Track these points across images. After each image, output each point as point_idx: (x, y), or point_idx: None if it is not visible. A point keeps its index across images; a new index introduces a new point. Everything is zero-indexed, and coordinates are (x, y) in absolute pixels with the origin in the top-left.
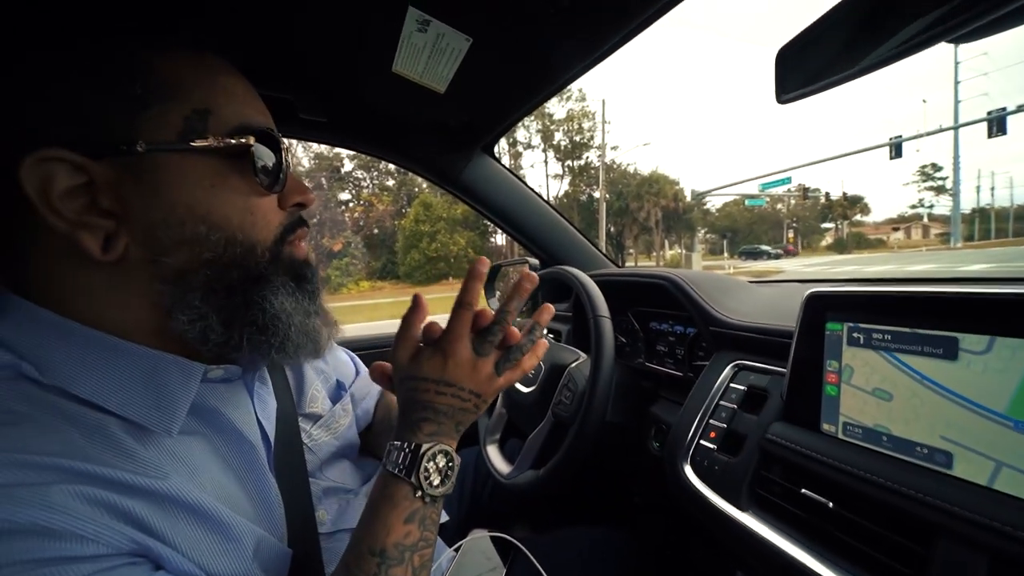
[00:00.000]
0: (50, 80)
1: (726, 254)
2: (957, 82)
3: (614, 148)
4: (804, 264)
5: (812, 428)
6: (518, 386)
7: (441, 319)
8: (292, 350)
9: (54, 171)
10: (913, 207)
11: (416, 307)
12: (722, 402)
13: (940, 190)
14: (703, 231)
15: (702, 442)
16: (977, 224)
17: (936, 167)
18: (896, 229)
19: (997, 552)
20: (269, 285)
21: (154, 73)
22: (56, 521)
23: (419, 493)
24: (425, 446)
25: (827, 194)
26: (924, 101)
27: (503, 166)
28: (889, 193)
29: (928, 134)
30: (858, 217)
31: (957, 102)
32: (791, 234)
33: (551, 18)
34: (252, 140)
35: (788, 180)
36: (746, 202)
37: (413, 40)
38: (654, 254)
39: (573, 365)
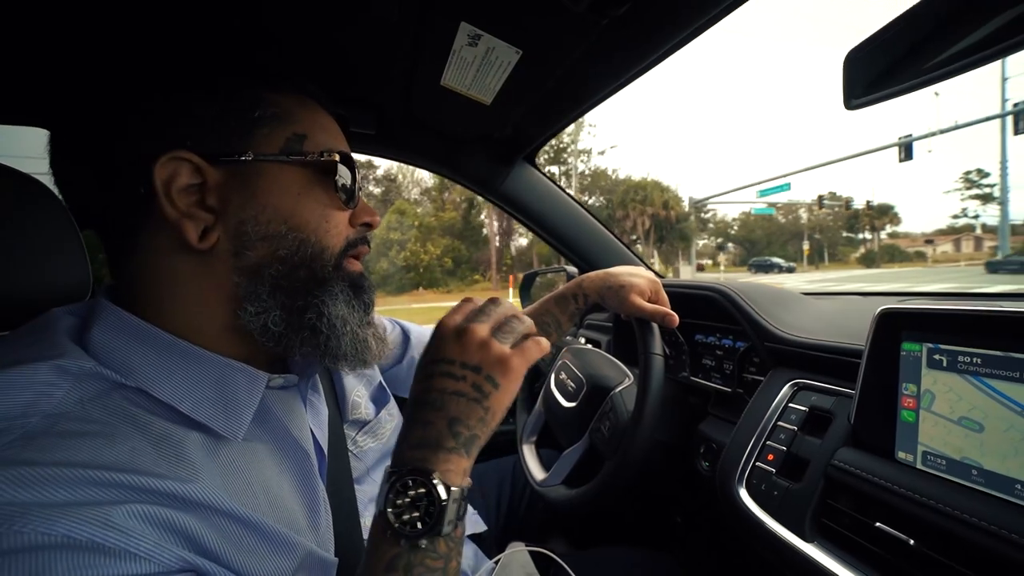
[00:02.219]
0: (192, 100)
1: (722, 266)
2: (1005, 78)
3: (601, 153)
4: (806, 280)
5: (885, 456)
6: (559, 397)
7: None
8: (341, 357)
9: (179, 169)
10: (956, 217)
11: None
12: (781, 423)
13: (987, 198)
14: (718, 240)
15: (759, 464)
16: None
17: (982, 173)
18: (929, 241)
19: None
20: (330, 290)
21: (267, 103)
22: (113, 539)
23: (389, 533)
24: (394, 472)
25: (847, 202)
26: (936, 94)
27: (544, 175)
28: (932, 202)
29: (942, 132)
30: (895, 228)
31: (1004, 100)
32: (807, 246)
33: (602, 29)
34: (337, 158)
35: (787, 187)
36: (752, 211)
37: (463, 54)
38: None
39: (617, 391)
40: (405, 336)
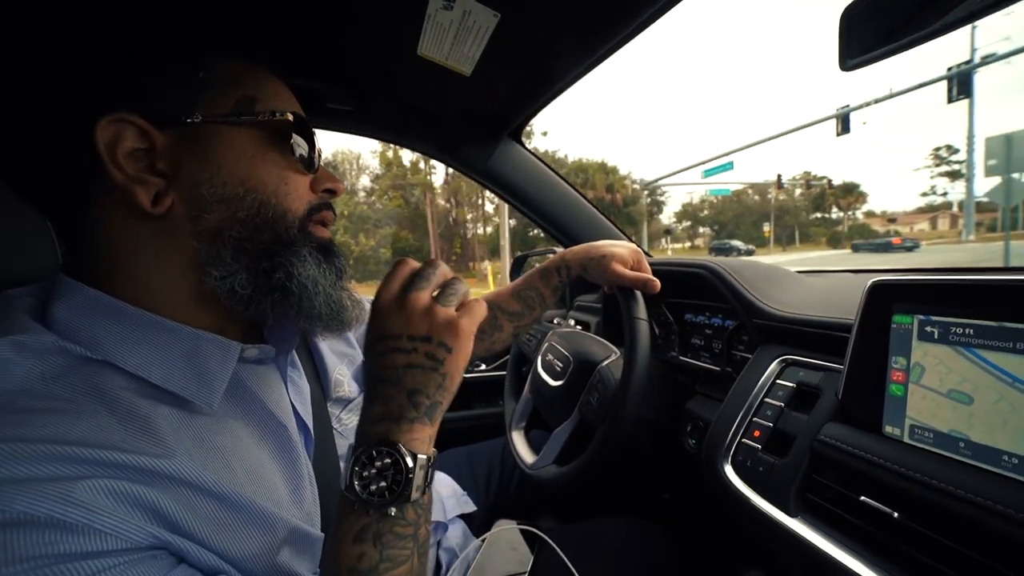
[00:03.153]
0: (135, 61)
1: (672, 246)
2: (974, 49)
3: (544, 134)
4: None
5: (873, 431)
6: (546, 377)
7: None
8: (316, 318)
9: (123, 132)
10: (925, 195)
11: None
12: (768, 399)
13: (955, 175)
14: (683, 224)
15: (745, 441)
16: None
17: (952, 149)
18: (892, 220)
19: None
20: (296, 253)
21: (215, 68)
22: (74, 515)
23: (357, 505)
24: (356, 445)
25: (807, 180)
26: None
27: (531, 153)
28: (904, 181)
29: (876, 101)
30: (863, 207)
31: (972, 66)
32: (768, 228)
33: None
34: (290, 118)
35: (730, 166)
36: (708, 192)
37: (438, 19)
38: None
39: (604, 364)
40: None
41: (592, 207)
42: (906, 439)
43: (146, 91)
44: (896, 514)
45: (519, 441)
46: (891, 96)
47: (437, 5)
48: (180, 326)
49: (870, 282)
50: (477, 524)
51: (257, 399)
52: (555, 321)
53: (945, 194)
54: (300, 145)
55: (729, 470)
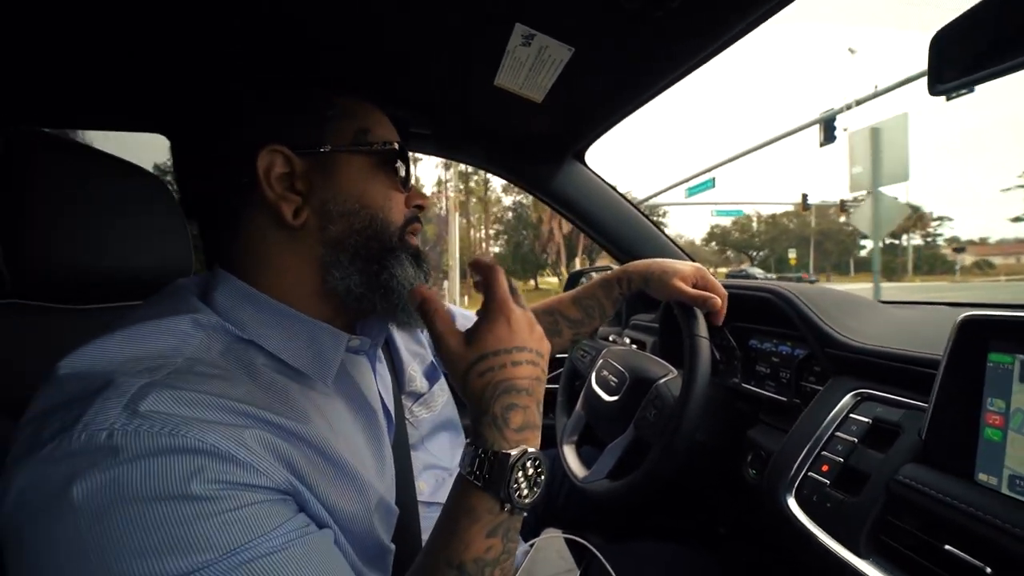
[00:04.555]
0: (282, 103)
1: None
2: None
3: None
4: None
5: (963, 476)
6: (600, 393)
7: None
8: (410, 314)
9: (275, 160)
10: (1017, 219)
11: (431, 299)
12: (839, 433)
13: None
14: (714, 246)
15: (811, 474)
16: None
17: None
18: (959, 250)
19: None
20: (397, 257)
21: (338, 105)
22: (243, 454)
23: (506, 507)
24: (514, 454)
25: (841, 202)
26: (851, 51)
27: (594, 173)
28: (990, 203)
29: (858, 103)
30: (936, 231)
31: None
32: (793, 254)
33: (658, 21)
34: (396, 147)
35: (711, 183)
36: (713, 213)
37: (516, 55)
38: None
39: (661, 381)
40: (453, 317)
41: (655, 227)
42: (1004, 490)
43: (291, 126)
44: (988, 569)
45: (570, 455)
46: (876, 95)
47: (516, 42)
48: (303, 316)
49: (961, 316)
50: (525, 531)
51: (354, 383)
52: (610, 338)
53: None
54: (400, 168)
55: (793, 503)
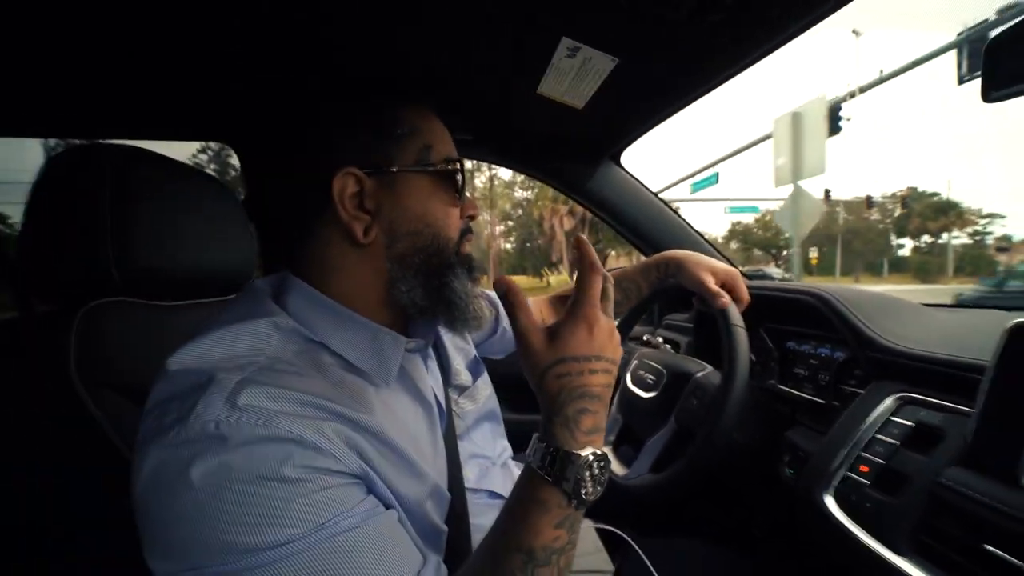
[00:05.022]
0: (353, 126)
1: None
2: None
3: None
4: None
5: (1007, 481)
6: (637, 391)
7: None
8: (467, 322)
9: (348, 182)
10: None
11: (515, 291)
12: (880, 435)
13: None
14: (735, 245)
15: (850, 475)
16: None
17: None
18: (1003, 249)
19: None
20: (456, 271)
21: (405, 121)
22: (324, 443)
23: (573, 502)
24: (584, 454)
25: (868, 198)
26: (856, 33)
27: (629, 175)
28: None
29: (862, 90)
30: (979, 230)
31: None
32: (814, 254)
33: (701, 32)
34: (457, 166)
35: (715, 179)
36: (726, 210)
37: (560, 66)
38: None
39: (700, 375)
40: (493, 307)
41: (691, 229)
42: None
43: (364, 147)
44: None
45: (609, 454)
46: (881, 80)
47: (562, 55)
48: (367, 321)
49: (1012, 322)
50: None
51: (411, 381)
52: (644, 338)
53: None
54: (457, 182)
55: (831, 502)
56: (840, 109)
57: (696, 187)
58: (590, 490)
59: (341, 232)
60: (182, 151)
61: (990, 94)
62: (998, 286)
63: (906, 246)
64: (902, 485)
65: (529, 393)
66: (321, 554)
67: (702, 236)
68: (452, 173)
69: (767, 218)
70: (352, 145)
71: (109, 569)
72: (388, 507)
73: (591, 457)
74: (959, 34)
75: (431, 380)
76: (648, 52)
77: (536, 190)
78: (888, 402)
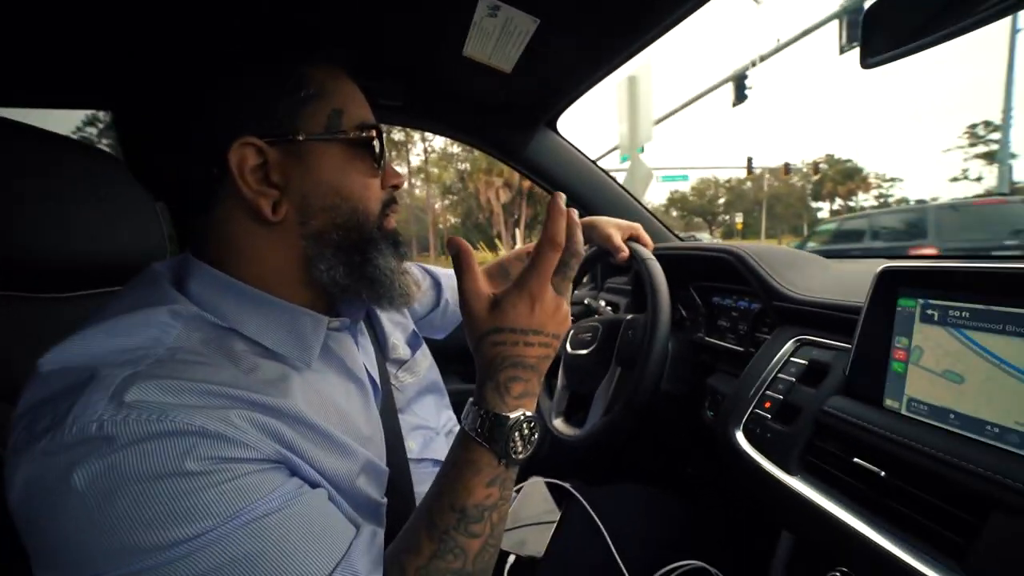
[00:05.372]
0: (255, 87)
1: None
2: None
3: None
4: None
5: (874, 404)
6: (578, 352)
7: None
8: (392, 300)
9: (247, 153)
10: (955, 180)
11: (466, 252)
12: (780, 375)
13: (992, 156)
14: (673, 213)
15: (757, 411)
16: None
17: (990, 125)
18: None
19: None
20: (378, 247)
21: (311, 82)
22: (231, 432)
23: (503, 461)
24: (513, 416)
25: (786, 164)
26: (756, 1)
27: (566, 141)
28: (932, 164)
29: (764, 58)
30: (871, 193)
31: (1015, 31)
32: (739, 219)
33: None
34: (374, 134)
35: (686, 177)
36: (659, 178)
37: (483, 25)
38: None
39: (630, 317)
40: (435, 282)
41: (627, 193)
42: (903, 411)
43: (262, 114)
44: (883, 473)
45: (561, 426)
46: (779, 49)
47: (483, 13)
48: (284, 302)
49: (880, 267)
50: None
51: (339, 359)
52: (585, 301)
53: (980, 179)
54: (375, 150)
55: (740, 436)
56: (745, 78)
57: (624, 158)
58: (520, 450)
59: (245, 209)
60: (66, 124)
61: (867, 60)
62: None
63: (824, 209)
64: (796, 416)
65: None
66: (239, 540)
67: (640, 203)
68: (368, 140)
69: (701, 186)
70: (248, 110)
71: None
72: (315, 486)
73: (521, 418)
74: (840, 5)
75: (363, 356)
76: (568, 14)
77: (470, 163)
78: (788, 344)
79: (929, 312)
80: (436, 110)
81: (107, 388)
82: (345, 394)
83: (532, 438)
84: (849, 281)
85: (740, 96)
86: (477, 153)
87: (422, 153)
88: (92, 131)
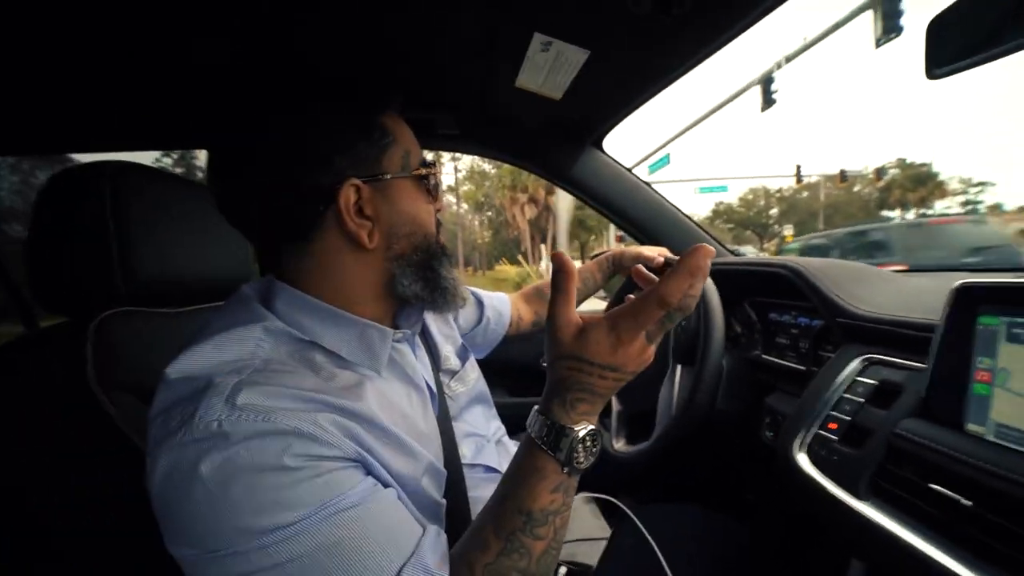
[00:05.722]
0: (347, 137)
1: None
2: None
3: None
4: None
5: (954, 428)
6: None
7: None
8: (456, 303)
9: (350, 192)
10: None
11: (568, 273)
12: (847, 395)
13: None
14: (724, 224)
15: (821, 432)
16: None
17: None
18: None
19: None
20: (441, 262)
21: (386, 130)
22: (319, 433)
23: (566, 469)
24: (577, 428)
25: (841, 171)
26: None
27: (612, 159)
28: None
29: (790, 59)
30: (941, 203)
31: None
32: (789, 231)
33: (664, 26)
34: (433, 170)
35: (666, 160)
36: (697, 189)
37: (536, 60)
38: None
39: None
40: (478, 300)
41: (676, 210)
42: (989, 437)
43: (360, 160)
44: (966, 501)
45: (623, 447)
46: (806, 47)
47: (536, 49)
48: (355, 317)
49: (956, 283)
50: None
51: (401, 368)
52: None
53: None
54: (432, 183)
55: (802, 458)
56: (772, 81)
57: (652, 168)
58: (582, 459)
59: (342, 238)
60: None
61: (932, 71)
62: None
63: (896, 218)
64: (865, 438)
65: (525, 379)
66: (327, 529)
67: (688, 217)
68: (429, 175)
69: (749, 197)
70: (349, 155)
71: (129, 549)
72: (387, 486)
73: (583, 432)
74: None
75: (421, 367)
76: (617, 44)
77: (493, 180)
78: (855, 364)
79: (1016, 331)
80: (489, 136)
81: (222, 393)
82: (408, 400)
83: (594, 450)
84: (919, 297)
85: (768, 100)
86: (503, 169)
87: (452, 172)
88: (168, 161)
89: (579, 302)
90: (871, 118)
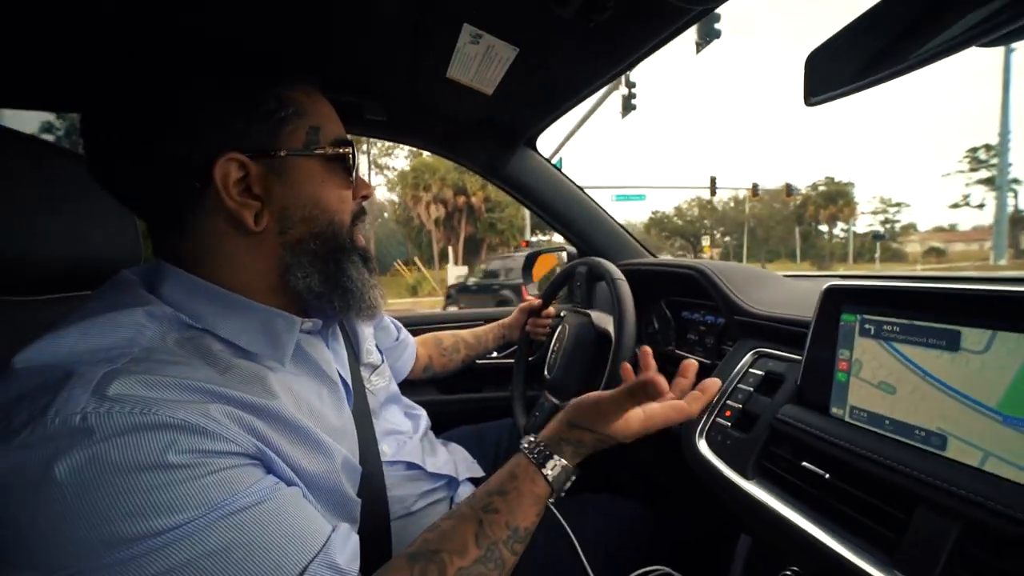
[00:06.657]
0: (231, 107)
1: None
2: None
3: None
4: None
5: (822, 411)
6: (551, 360)
7: None
8: (360, 311)
9: (231, 168)
10: (955, 206)
11: (646, 363)
12: (740, 385)
13: (993, 183)
14: (660, 232)
15: (718, 420)
16: None
17: (992, 149)
18: (878, 237)
19: (969, 520)
20: (351, 258)
21: (289, 103)
22: (211, 425)
23: (552, 499)
24: (572, 465)
25: (754, 186)
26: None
27: (545, 159)
28: (933, 190)
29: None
30: (853, 221)
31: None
32: (707, 242)
33: (590, 30)
34: (349, 149)
35: (643, 197)
36: (613, 197)
37: (466, 51)
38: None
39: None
40: (394, 322)
41: (603, 212)
42: (847, 418)
43: (247, 130)
44: (827, 475)
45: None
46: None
47: (466, 40)
48: (258, 304)
49: (825, 286)
50: None
51: (313, 362)
52: (561, 314)
53: (982, 206)
54: (349, 164)
55: (702, 444)
56: (634, 85)
57: (619, 198)
58: (566, 488)
59: (225, 219)
60: (27, 124)
61: (809, 99)
62: None
63: (823, 234)
64: (753, 423)
65: (451, 377)
66: (216, 533)
67: (614, 220)
68: (343, 155)
69: (684, 207)
70: (232, 128)
71: None
72: (291, 484)
73: (573, 467)
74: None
75: (336, 360)
76: (545, 43)
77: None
78: (748, 356)
79: (866, 327)
80: (420, 126)
81: (88, 383)
82: (318, 395)
83: (573, 481)
84: (805, 297)
85: (628, 107)
86: (406, 166)
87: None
88: (49, 137)
89: (473, 356)
90: (812, 137)
